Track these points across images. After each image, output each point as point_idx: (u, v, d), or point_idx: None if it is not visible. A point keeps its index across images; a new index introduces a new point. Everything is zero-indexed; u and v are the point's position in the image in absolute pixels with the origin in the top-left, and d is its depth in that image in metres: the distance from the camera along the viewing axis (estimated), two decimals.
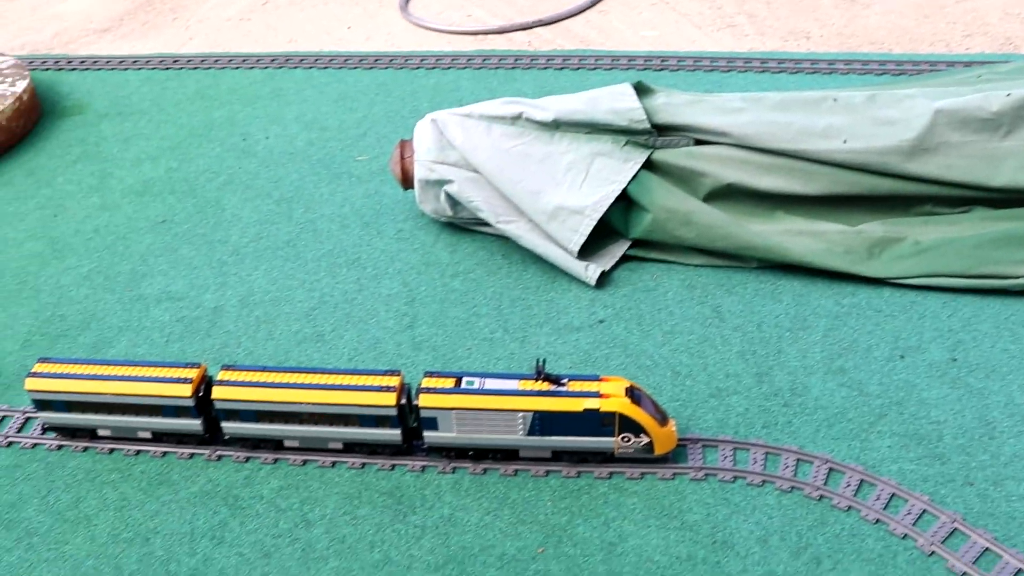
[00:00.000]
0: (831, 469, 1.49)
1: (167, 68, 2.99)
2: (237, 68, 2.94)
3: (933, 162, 1.87)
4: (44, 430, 1.67)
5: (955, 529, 1.39)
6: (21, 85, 2.68)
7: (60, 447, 1.66)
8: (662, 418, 1.48)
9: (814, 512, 1.44)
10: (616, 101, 1.95)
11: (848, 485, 1.47)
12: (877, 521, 1.42)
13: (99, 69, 3.04)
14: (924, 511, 1.42)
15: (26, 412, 1.73)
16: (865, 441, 1.54)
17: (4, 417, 1.73)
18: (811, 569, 1.36)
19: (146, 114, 2.74)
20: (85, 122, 2.73)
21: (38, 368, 1.62)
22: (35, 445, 1.67)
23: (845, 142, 1.87)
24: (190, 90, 2.84)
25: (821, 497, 1.45)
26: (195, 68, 2.97)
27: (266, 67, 2.92)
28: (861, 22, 2.81)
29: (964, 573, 1.34)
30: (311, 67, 2.89)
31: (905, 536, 1.39)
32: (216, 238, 2.17)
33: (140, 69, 3.00)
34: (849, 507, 1.44)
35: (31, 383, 1.60)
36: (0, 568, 1.46)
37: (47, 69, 3.05)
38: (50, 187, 2.44)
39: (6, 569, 1.45)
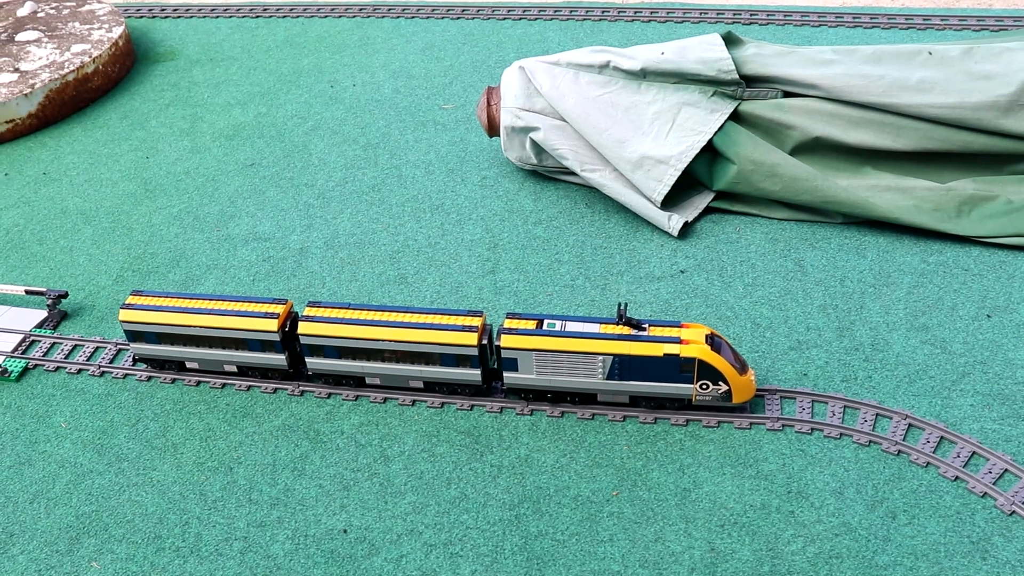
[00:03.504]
0: (910, 425, 1.48)
1: (257, 16, 3.02)
2: (325, 17, 2.97)
3: None
4: (135, 361, 1.73)
5: None
6: (117, 31, 2.74)
7: (149, 378, 1.71)
8: (741, 367, 1.48)
9: (891, 467, 1.43)
10: (705, 51, 1.93)
11: (927, 441, 1.45)
12: (956, 479, 1.40)
13: (191, 17, 3.08)
14: (1005, 471, 1.40)
15: (118, 343, 1.78)
16: (947, 399, 1.52)
17: (97, 348, 1.78)
18: (886, 522, 1.35)
19: (236, 60, 2.78)
20: (177, 68, 2.78)
21: (131, 300, 1.67)
22: (126, 375, 1.72)
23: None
24: (279, 37, 2.88)
25: (899, 452, 1.44)
26: (284, 16, 3.01)
27: (354, 16, 2.94)
28: None
29: None
30: (399, 16, 2.91)
31: (984, 495, 1.38)
32: (303, 182, 2.20)
33: (231, 17, 3.04)
34: (928, 463, 1.43)
35: (124, 314, 1.65)
36: (92, 488, 1.51)
37: (141, 16, 3.11)
38: (143, 130, 2.50)
39: (98, 490, 1.51)
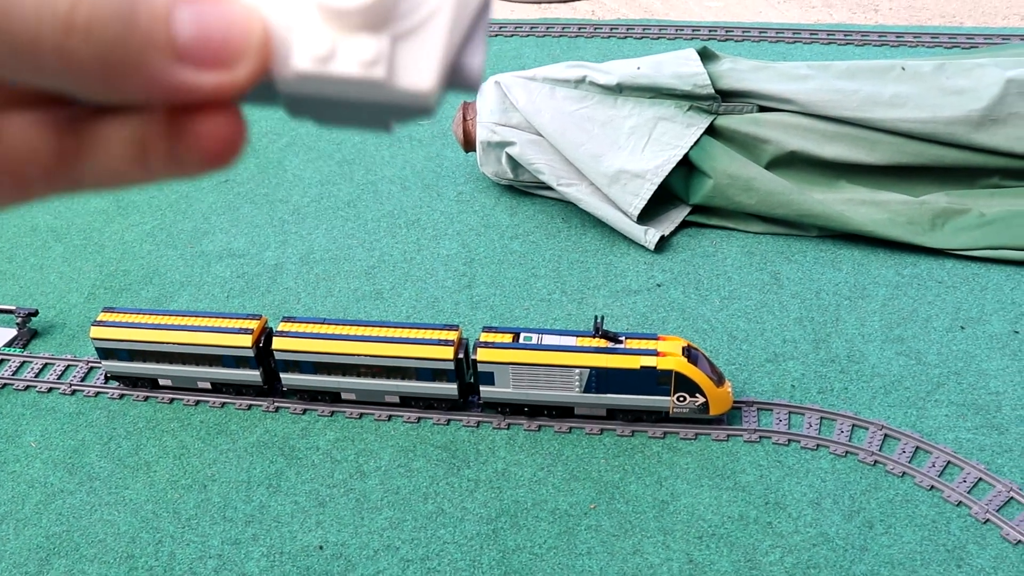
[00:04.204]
0: (886, 435, 1.48)
1: None
2: None
3: (1002, 133, 1.84)
4: (107, 379, 1.71)
5: (1011, 498, 1.38)
6: None
7: (122, 396, 1.69)
8: (718, 379, 1.48)
9: (868, 477, 1.43)
10: (680, 66, 1.94)
11: (903, 452, 1.46)
12: (932, 488, 1.41)
13: None
14: (980, 479, 1.41)
15: (90, 362, 1.76)
16: (922, 409, 1.52)
17: (69, 366, 1.77)
18: (863, 532, 1.35)
19: None
20: None
21: (103, 317, 1.65)
22: (98, 393, 1.71)
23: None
24: None
25: (876, 462, 1.45)
26: None
27: None
28: None
29: (1019, 541, 1.33)
30: None
31: (960, 503, 1.38)
32: (278, 197, 2.19)
33: None
34: (904, 473, 1.43)
35: (96, 331, 1.63)
36: (63, 508, 1.49)
37: None
38: None
39: (69, 510, 1.49)
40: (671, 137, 1.91)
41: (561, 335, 1.51)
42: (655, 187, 1.88)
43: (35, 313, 1.85)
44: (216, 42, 0.33)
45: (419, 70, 0.35)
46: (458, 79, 0.37)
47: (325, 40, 0.34)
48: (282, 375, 1.61)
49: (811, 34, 2.59)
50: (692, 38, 2.64)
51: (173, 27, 0.33)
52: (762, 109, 1.94)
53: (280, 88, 0.34)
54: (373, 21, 0.34)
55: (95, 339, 1.64)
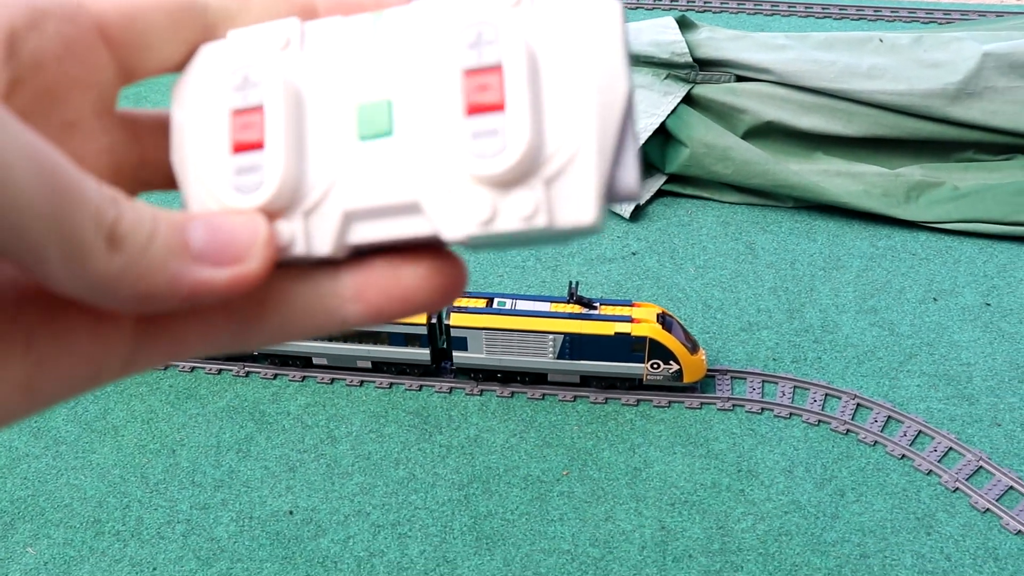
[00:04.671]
0: (859, 405, 1.49)
1: None
2: None
3: (977, 107, 1.84)
4: None
5: (980, 467, 1.39)
6: None
7: None
8: (692, 347, 1.47)
9: (840, 445, 1.43)
10: (658, 34, 1.92)
11: (875, 421, 1.46)
12: (903, 456, 1.41)
13: None
14: (950, 449, 1.42)
15: None
16: (894, 379, 1.53)
17: None
18: (835, 500, 1.35)
19: None
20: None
21: None
22: None
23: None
24: None
25: (848, 431, 1.45)
26: None
27: None
28: None
29: (987, 510, 1.33)
30: None
31: (930, 472, 1.39)
32: None
33: None
34: (875, 442, 1.43)
35: None
36: (28, 472, 1.47)
37: None
38: None
39: (34, 474, 1.47)
40: (648, 105, 1.90)
41: (535, 300, 1.50)
42: None
43: None
44: (224, 242, 0.40)
45: (578, 206, 0.37)
46: (617, 195, 0.38)
47: (485, 204, 0.37)
48: None
49: (789, 6, 2.58)
50: (671, 8, 2.63)
51: (188, 235, 0.40)
52: (739, 79, 1.94)
53: (454, 244, 0.38)
54: (523, 175, 0.37)
55: None
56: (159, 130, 0.49)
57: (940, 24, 2.44)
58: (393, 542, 1.34)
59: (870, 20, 2.50)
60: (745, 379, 1.53)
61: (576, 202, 0.37)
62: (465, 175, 0.37)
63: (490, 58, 0.37)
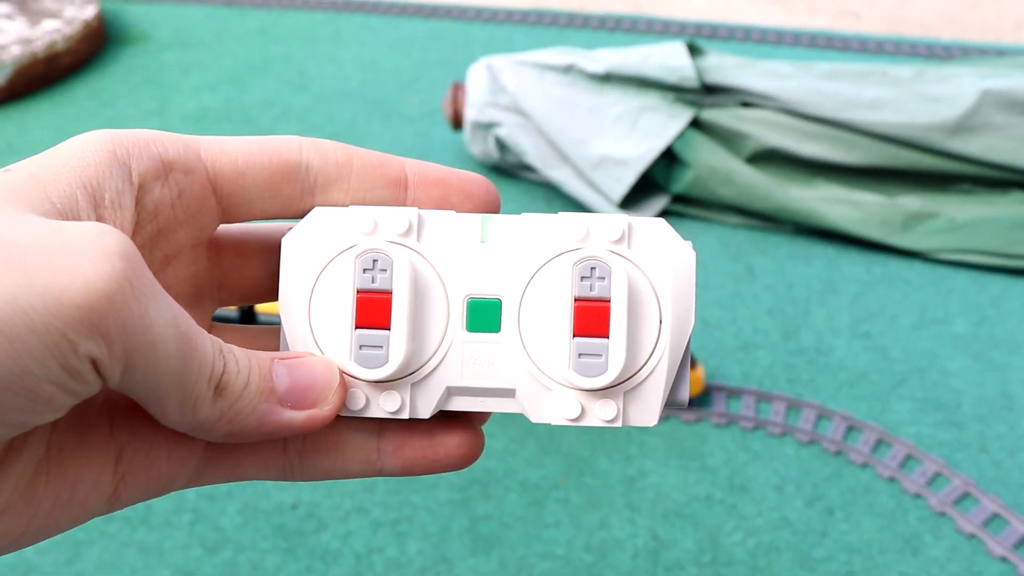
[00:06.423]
0: (850, 426, 1.53)
1: (230, 5, 3.04)
2: (299, 9, 2.99)
3: (975, 141, 1.89)
4: None
5: (967, 492, 1.43)
6: (90, 11, 2.74)
7: None
8: (691, 363, 1.51)
9: (830, 465, 1.47)
10: (668, 58, 1.98)
11: (866, 442, 1.50)
12: (891, 479, 1.45)
13: (164, 3, 3.09)
14: (938, 473, 1.46)
15: None
16: (885, 403, 1.57)
17: None
18: (823, 518, 1.40)
19: (207, 46, 2.79)
20: (148, 50, 2.79)
21: None
22: None
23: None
24: (251, 27, 2.89)
25: (839, 452, 1.49)
26: (257, 7, 3.02)
27: (327, 10, 2.96)
28: (911, 5, 2.83)
29: (972, 535, 1.37)
30: (370, 12, 2.93)
31: (918, 495, 1.43)
32: None
33: (203, 4, 3.05)
34: (865, 463, 1.48)
35: None
36: None
37: None
38: (112, 108, 2.50)
39: None
40: (655, 127, 1.95)
41: None
42: (638, 175, 1.92)
43: None
44: (305, 388, 0.46)
45: (647, 414, 0.48)
46: (671, 404, 0.50)
47: (575, 406, 0.47)
48: None
49: (793, 38, 2.64)
50: (679, 35, 2.69)
51: (274, 379, 0.45)
52: (745, 105, 1.99)
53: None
54: (613, 391, 0.47)
55: None
56: (238, 253, 0.54)
57: (941, 59, 2.50)
58: (392, 539, 1.38)
59: (872, 53, 2.56)
60: (740, 397, 1.58)
61: (646, 411, 0.47)
62: (563, 381, 0.47)
63: (601, 292, 0.46)
